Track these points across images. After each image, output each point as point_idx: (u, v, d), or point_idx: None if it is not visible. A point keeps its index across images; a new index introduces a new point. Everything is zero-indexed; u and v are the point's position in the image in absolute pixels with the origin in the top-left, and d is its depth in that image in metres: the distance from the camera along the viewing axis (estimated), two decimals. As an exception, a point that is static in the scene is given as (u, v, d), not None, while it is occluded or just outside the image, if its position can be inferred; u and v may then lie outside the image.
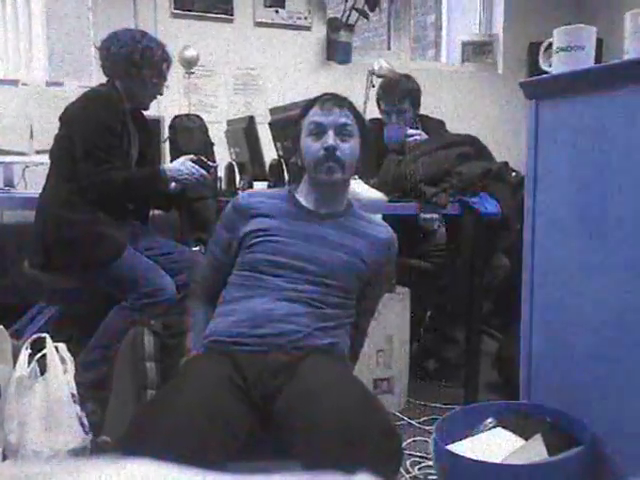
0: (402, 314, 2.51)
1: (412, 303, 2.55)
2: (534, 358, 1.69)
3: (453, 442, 1.47)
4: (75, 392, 1.74)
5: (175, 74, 2.85)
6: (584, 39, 1.53)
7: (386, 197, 2.38)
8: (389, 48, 4.39)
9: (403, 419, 2.37)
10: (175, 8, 3.58)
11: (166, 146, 2.81)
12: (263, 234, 1.55)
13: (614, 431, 1.43)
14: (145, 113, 2.50)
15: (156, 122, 2.89)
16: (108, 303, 2.23)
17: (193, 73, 3.28)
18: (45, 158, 2.43)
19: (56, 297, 2.39)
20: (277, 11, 3.81)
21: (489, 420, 1.55)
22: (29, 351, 1.74)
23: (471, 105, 4.26)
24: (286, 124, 2.27)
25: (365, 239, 1.60)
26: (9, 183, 2.67)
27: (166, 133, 2.78)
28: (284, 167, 2.46)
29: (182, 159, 2.35)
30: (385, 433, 1.24)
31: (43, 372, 1.74)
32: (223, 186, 2.68)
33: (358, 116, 1.61)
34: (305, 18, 3.89)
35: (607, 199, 1.45)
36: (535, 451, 1.41)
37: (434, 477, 1.82)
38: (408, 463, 2.00)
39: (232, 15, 3.72)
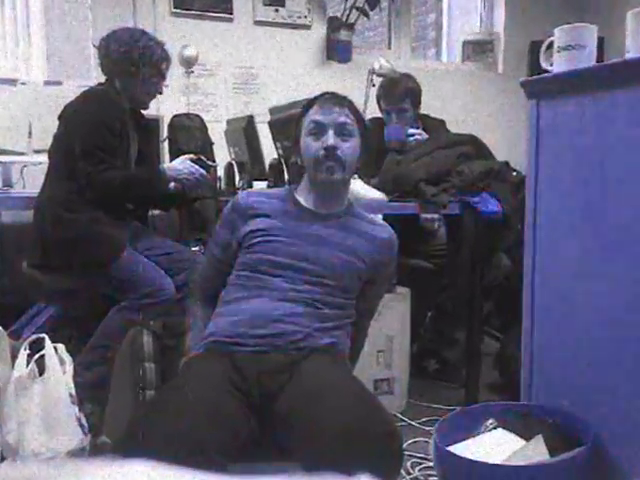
0: (402, 314, 2.51)
1: (412, 303, 2.55)
2: (535, 358, 1.69)
3: (454, 443, 1.47)
4: (74, 393, 1.74)
5: (174, 73, 2.84)
6: (585, 38, 1.53)
7: (386, 197, 2.38)
8: (389, 47, 4.39)
9: (404, 420, 2.37)
10: (174, 7, 3.58)
11: (165, 145, 2.81)
12: (263, 234, 1.55)
13: (616, 432, 1.43)
14: (144, 112, 2.50)
15: (155, 121, 2.89)
16: (107, 303, 2.23)
17: (192, 72, 3.28)
18: (44, 158, 2.42)
19: (55, 297, 2.39)
20: (277, 10, 3.81)
21: (490, 421, 1.55)
22: (28, 351, 1.74)
23: (472, 104, 4.26)
24: (286, 123, 2.27)
25: (365, 239, 1.60)
26: (7, 183, 2.67)
27: (165, 132, 2.78)
28: (284, 167, 2.46)
29: (181, 159, 2.35)
30: (386, 434, 1.24)
31: (42, 373, 1.74)
32: (223, 186, 2.68)
33: (358, 115, 1.61)
34: (305, 17, 3.89)
35: (608, 199, 1.45)
36: (536, 452, 1.41)
37: (435, 478, 1.82)
38: (409, 464, 2.00)
39: (232, 14, 3.72)
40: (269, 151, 2.58)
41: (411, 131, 2.75)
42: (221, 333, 1.47)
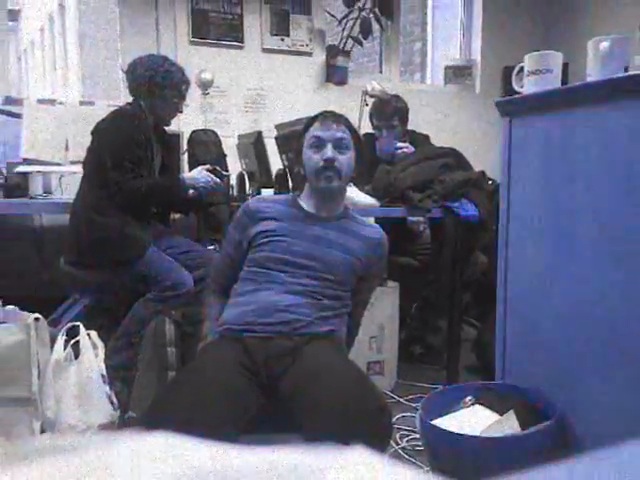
0: (392, 305, 2.51)
1: (401, 295, 2.55)
2: (508, 343, 1.69)
3: (437, 417, 1.47)
4: (105, 374, 1.74)
5: (193, 94, 2.84)
6: (552, 63, 1.53)
7: (378, 202, 2.38)
8: (381, 71, 4.39)
9: (393, 397, 2.37)
10: (193, 36, 3.58)
11: (185, 157, 2.81)
12: (270, 235, 1.55)
13: (579, 408, 1.44)
14: (167, 128, 2.50)
15: (176, 136, 2.89)
16: (134, 296, 2.23)
17: (208, 93, 3.28)
18: (79, 168, 2.42)
19: (88, 290, 2.39)
20: (282, 39, 3.81)
21: (468, 398, 1.55)
22: (65, 338, 1.74)
23: (453, 121, 4.26)
24: (290, 138, 2.27)
25: (359, 239, 1.60)
26: (47, 190, 2.67)
27: (185, 146, 2.78)
28: (288, 176, 2.46)
29: (199, 169, 2.35)
30: (377, 410, 1.24)
31: (77, 356, 1.74)
32: (235, 193, 2.68)
33: (353, 131, 1.61)
34: (307, 45, 3.88)
35: (573, 203, 1.45)
36: (509, 425, 1.41)
37: (420, 448, 1.82)
38: (397, 436, 2.00)
39: (242, 42, 3.72)
40: (275, 162, 2.57)
41: (399, 145, 2.75)
42: (233, 321, 1.47)
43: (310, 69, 3.92)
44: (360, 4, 3.76)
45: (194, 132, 2.72)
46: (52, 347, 1.73)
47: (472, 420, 1.46)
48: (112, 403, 1.73)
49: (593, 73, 1.43)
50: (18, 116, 2.87)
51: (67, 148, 2.87)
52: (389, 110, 2.88)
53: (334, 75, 3.90)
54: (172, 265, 2.21)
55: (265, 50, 3.79)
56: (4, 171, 2.61)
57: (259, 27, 3.74)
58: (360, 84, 3.52)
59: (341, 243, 1.56)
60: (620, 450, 0.24)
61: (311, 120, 1.61)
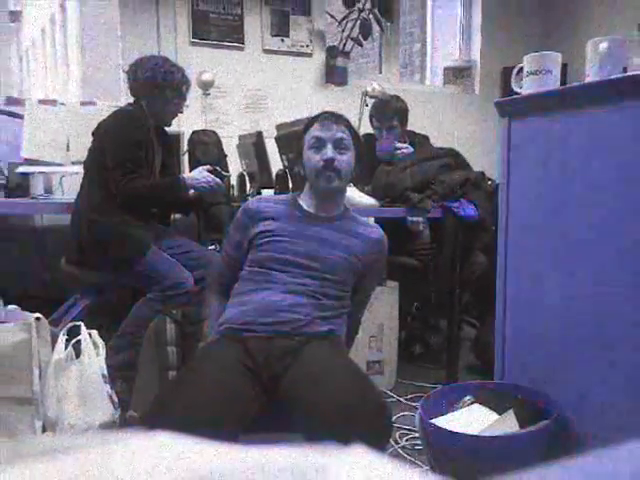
0: (392, 305, 2.51)
1: (400, 295, 2.55)
2: (507, 343, 1.69)
3: (436, 416, 1.47)
4: (106, 373, 1.74)
5: (193, 95, 2.84)
6: (551, 64, 1.53)
7: (378, 202, 2.38)
8: (380, 72, 4.39)
9: (393, 396, 2.37)
10: (193, 37, 3.58)
11: (185, 158, 2.81)
12: (270, 235, 1.55)
13: (578, 406, 1.43)
14: (167, 129, 2.50)
15: (177, 137, 2.89)
16: (135, 295, 2.22)
17: (209, 94, 3.28)
18: (80, 168, 2.42)
19: (89, 290, 2.39)
20: (283, 40, 3.81)
21: (467, 397, 1.55)
22: (66, 337, 1.74)
23: (452, 122, 4.26)
24: (290, 138, 2.27)
25: (359, 239, 1.60)
26: (49, 190, 2.67)
27: (185, 146, 2.78)
28: (288, 176, 2.46)
29: (199, 169, 2.35)
30: (377, 409, 1.24)
31: (78, 355, 1.74)
32: (235, 193, 2.68)
33: (353, 132, 1.61)
34: (307, 46, 3.88)
35: (571, 203, 1.45)
36: (508, 424, 1.41)
37: (420, 447, 1.82)
38: (397, 435, 2.00)
39: (243, 43, 3.72)
40: (275, 163, 2.57)
41: (399, 145, 2.75)
42: (234, 321, 1.47)
43: (310, 70, 3.92)
44: (360, 5, 3.76)
45: (195, 132, 2.72)
46: (53, 347, 1.73)
47: (471, 419, 1.46)
48: (113, 402, 1.73)
49: (592, 74, 1.43)
50: (20, 116, 2.87)
51: (68, 148, 2.87)
52: (389, 111, 2.87)
53: (334, 76, 3.90)
54: (173, 265, 2.21)
55: (265, 51, 3.79)
56: (5, 171, 2.61)
57: (259, 28, 3.74)
58: (360, 85, 3.53)
59: (341, 243, 1.56)
60: (620, 449, 0.24)
61: (311, 120, 1.61)
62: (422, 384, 2.48)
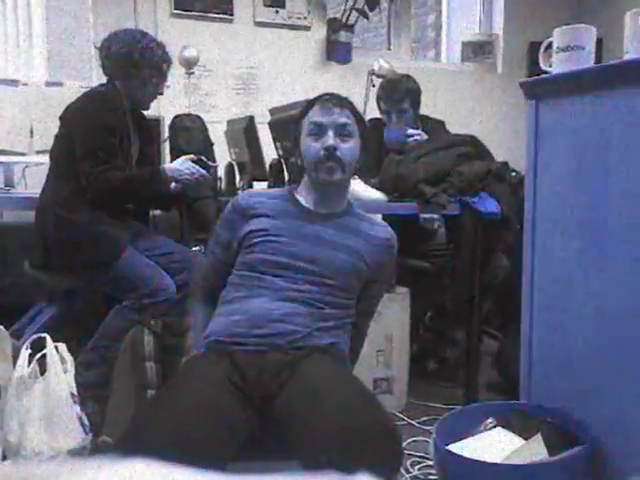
0: (402, 314, 2.51)
1: (412, 303, 2.55)
2: (534, 358, 1.69)
3: (453, 442, 1.47)
4: (75, 392, 1.74)
5: (175, 74, 2.84)
6: (584, 39, 1.53)
7: (386, 197, 2.38)
8: (389, 48, 4.39)
9: (403, 419, 2.37)
10: (175, 8, 3.58)
11: (166, 146, 2.81)
12: (263, 234, 1.55)
13: (615, 430, 1.43)
14: (145, 113, 2.50)
15: (156, 122, 2.89)
16: (108, 303, 2.23)
17: (193, 73, 3.28)
18: (45, 158, 2.42)
19: (56, 297, 2.39)
20: (277, 11, 3.82)
21: (489, 420, 1.55)
22: (29, 351, 1.74)
23: (471, 105, 4.26)
24: (286, 124, 2.27)
25: (365, 239, 1.60)
26: (9, 183, 2.67)
27: (166, 133, 2.78)
28: (284, 167, 2.46)
29: (182, 159, 2.35)
30: (385, 433, 1.24)
31: (43, 372, 1.74)
32: (223, 186, 2.68)
33: (358, 116, 1.61)
34: (305, 18, 3.89)
35: (606, 199, 1.45)
36: (535, 451, 1.41)
37: (434, 477, 1.82)
38: (408, 463, 2.00)
39: (232, 15, 3.72)
40: (269, 151, 2.58)
41: (411, 132, 2.75)
42: (221, 333, 1.47)
43: (308, 45, 3.92)
44: (366, -29, 3.77)
45: (176, 117, 2.72)
46: (15, 362, 1.73)
47: (493, 445, 1.46)
48: (83, 425, 1.73)
49: (631, 50, 1.43)
50: (-24, 99, 2.87)
51: (32, 135, 2.87)
52: (399, 92, 2.88)
53: (336, 52, 3.90)
54: (152, 269, 2.21)
55: (257, 24, 3.79)
56: (-40, 162, 2.61)
57: (251, -3, 3.75)
58: (366, 62, 3.53)
59: (344, 244, 1.56)
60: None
61: (310, 104, 1.61)
62: (436, 405, 2.48)
